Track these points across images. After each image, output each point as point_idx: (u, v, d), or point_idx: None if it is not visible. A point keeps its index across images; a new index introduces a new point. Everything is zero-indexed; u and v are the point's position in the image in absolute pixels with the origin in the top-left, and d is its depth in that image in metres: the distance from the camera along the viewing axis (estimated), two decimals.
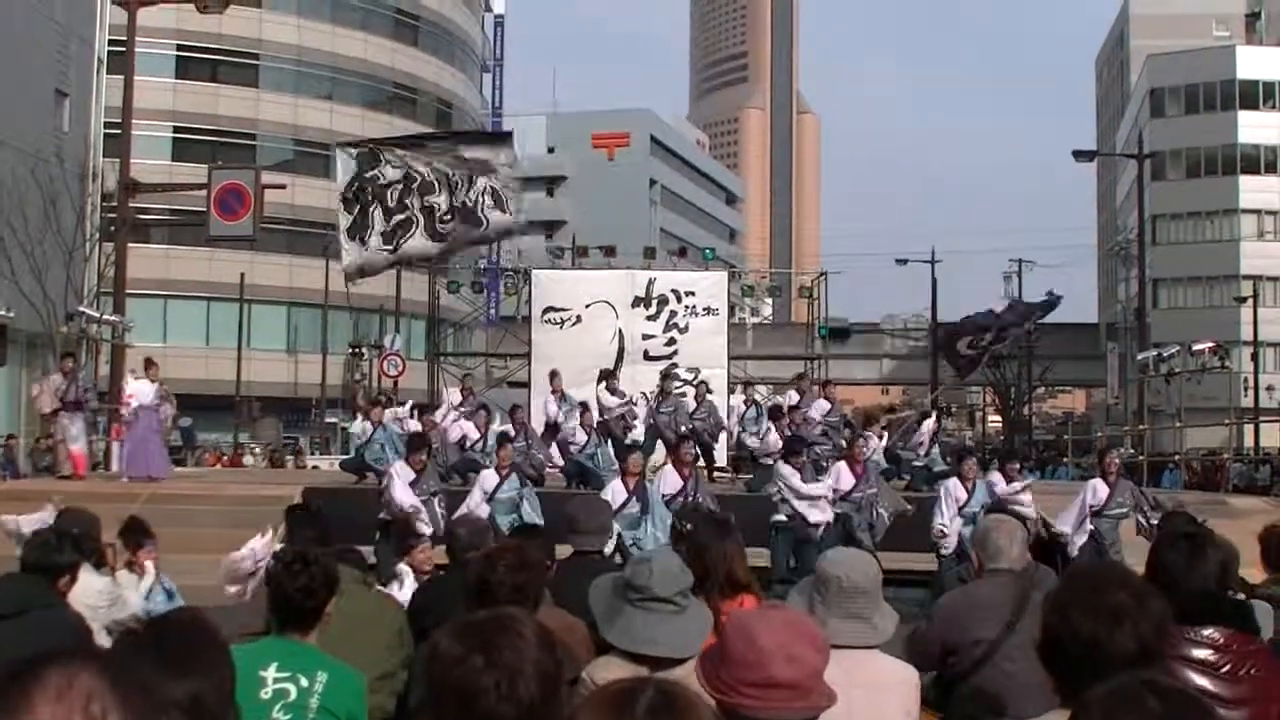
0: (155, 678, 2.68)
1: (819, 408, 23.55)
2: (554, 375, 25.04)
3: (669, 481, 15.51)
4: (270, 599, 4.67)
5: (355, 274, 25.65)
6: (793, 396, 24.18)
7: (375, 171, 24.74)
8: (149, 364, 22.55)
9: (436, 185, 24.63)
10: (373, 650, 5.11)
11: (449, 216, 24.65)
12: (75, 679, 1.78)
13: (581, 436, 22.06)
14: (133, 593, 8.31)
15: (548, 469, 21.90)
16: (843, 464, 16.80)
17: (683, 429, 22.04)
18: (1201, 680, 3.89)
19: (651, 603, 4.15)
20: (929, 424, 23.31)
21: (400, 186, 24.66)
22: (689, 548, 5.78)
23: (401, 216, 24.71)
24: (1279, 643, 5.18)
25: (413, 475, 15.27)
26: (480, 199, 24.63)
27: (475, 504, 14.97)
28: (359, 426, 22.20)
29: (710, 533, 5.68)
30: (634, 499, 14.00)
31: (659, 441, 22.60)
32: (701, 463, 21.39)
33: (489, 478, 15.94)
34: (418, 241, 24.85)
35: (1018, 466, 17.50)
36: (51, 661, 1.80)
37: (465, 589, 4.82)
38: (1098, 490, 15.88)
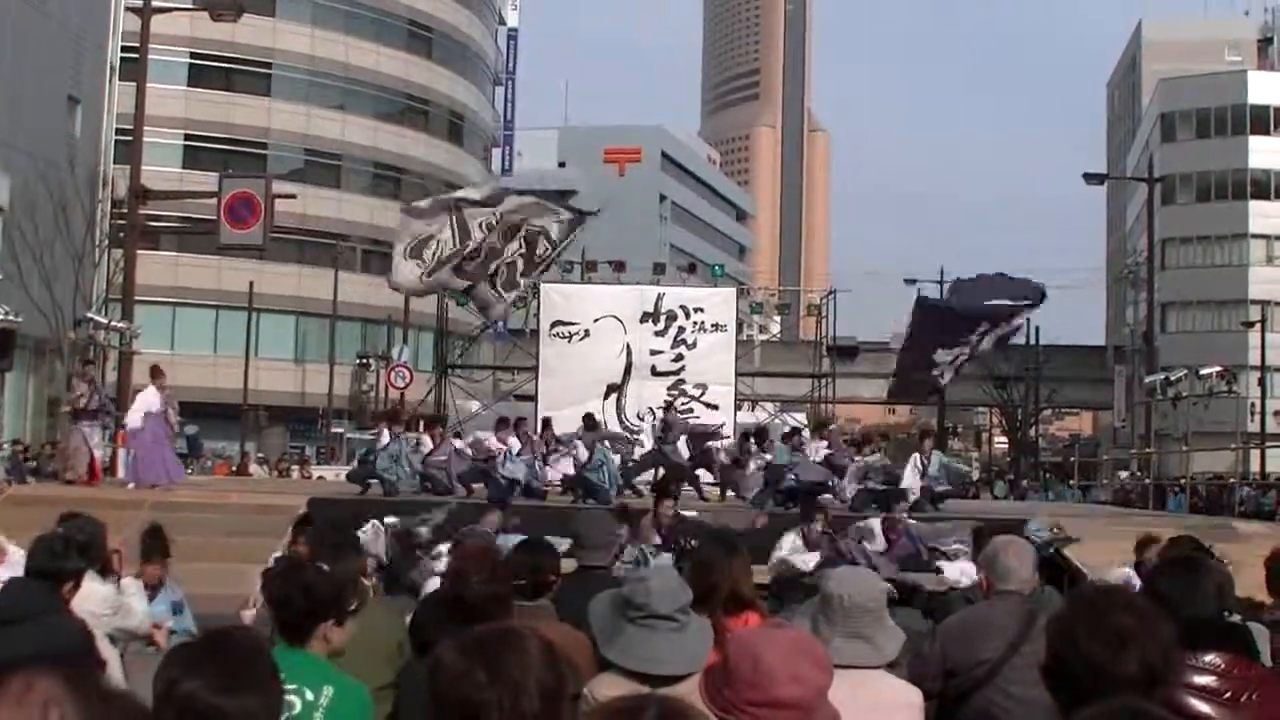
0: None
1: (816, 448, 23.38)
2: (546, 423, 24.64)
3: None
4: (270, 608, 4.67)
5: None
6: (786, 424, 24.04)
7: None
8: (155, 371, 22.56)
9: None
10: (374, 662, 5.10)
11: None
12: (34, 685, 1.78)
13: (584, 453, 21.85)
14: (137, 600, 8.29)
15: (547, 485, 21.80)
16: (876, 524, 16.10)
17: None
18: (1204, 707, 3.88)
19: (652, 620, 4.14)
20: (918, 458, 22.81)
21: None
22: (693, 564, 5.78)
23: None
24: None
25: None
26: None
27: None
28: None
29: (715, 549, 5.67)
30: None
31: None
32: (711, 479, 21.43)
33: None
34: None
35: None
36: (12, 668, 1.80)
37: (443, 606, 4.81)
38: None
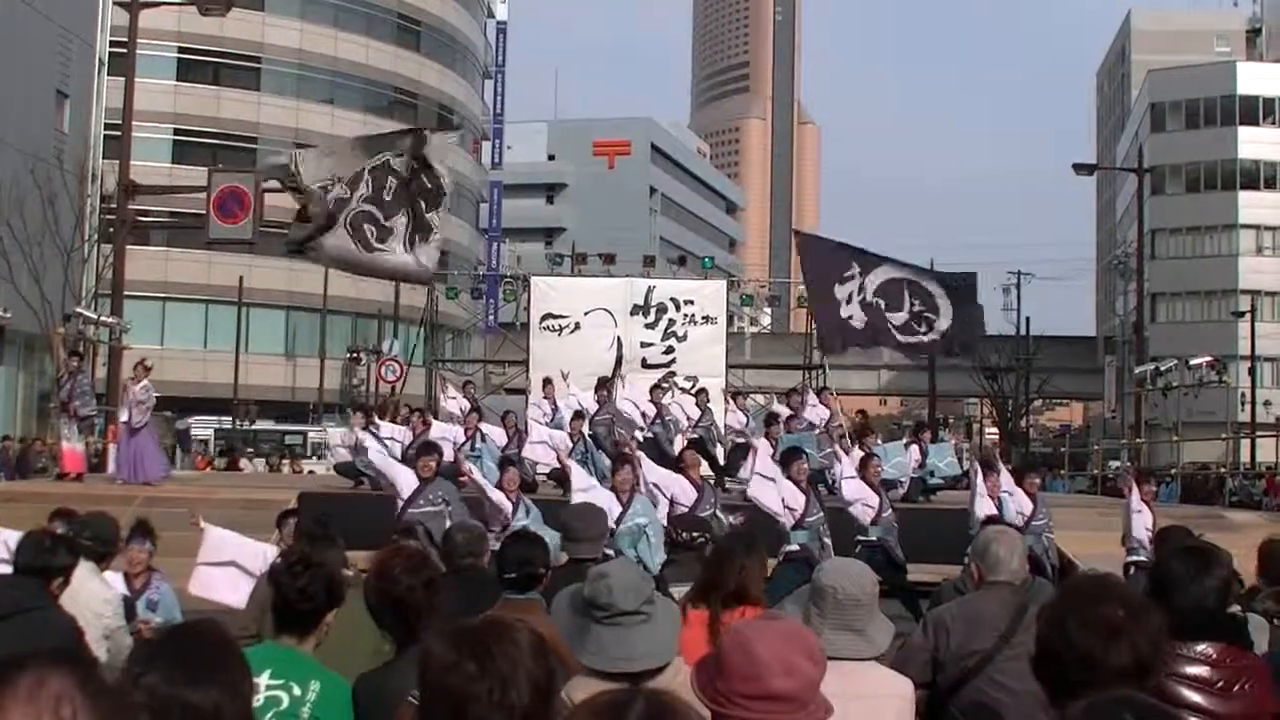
0: (167, 683, 2.69)
1: (819, 414, 23.39)
2: (546, 382, 25.11)
3: (684, 492, 14.97)
4: (271, 599, 4.64)
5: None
6: (783, 410, 23.93)
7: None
8: (135, 365, 22.44)
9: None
10: (361, 655, 5.08)
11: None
12: (46, 681, 1.77)
13: (567, 444, 21.72)
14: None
15: (536, 475, 21.70)
16: (862, 485, 16.05)
17: (681, 439, 21.94)
18: (1196, 697, 3.89)
19: (619, 618, 4.09)
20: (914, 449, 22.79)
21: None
22: (712, 552, 5.77)
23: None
24: (1275, 655, 5.16)
25: (416, 483, 14.66)
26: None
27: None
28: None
29: (736, 544, 5.67)
30: (627, 513, 13.60)
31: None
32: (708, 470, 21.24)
33: (503, 505, 14.60)
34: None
35: (1037, 481, 16.93)
36: (23, 664, 1.79)
37: (379, 612, 4.72)
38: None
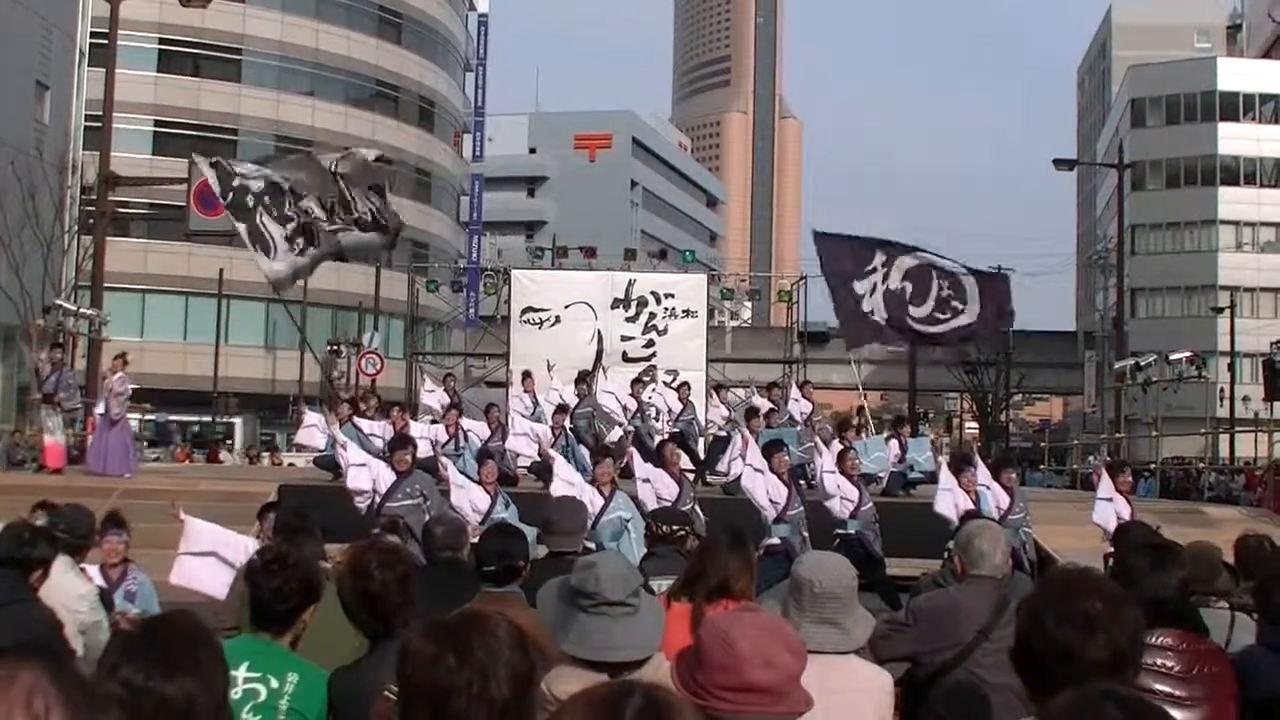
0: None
1: (800, 408, 23.44)
2: (526, 375, 25.07)
3: (666, 486, 14.98)
4: (248, 595, 4.63)
5: (287, 283, 24.77)
6: (763, 403, 23.93)
7: (240, 182, 22.99)
8: (115, 357, 22.29)
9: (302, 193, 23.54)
10: (340, 648, 5.07)
11: (338, 220, 24.03)
12: (17, 675, 1.77)
13: (550, 437, 21.69)
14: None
15: (517, 469, 21.68)
16: (841, 479, 15.87)
17: (662, 433, 21.93)
18: (1159, 685, 3.95)
19: (604, 607, 4.08)
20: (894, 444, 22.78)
21: (270, 196, 23.16)
22: (700, 544, 5.77)
23: (294, 224, 23.34)
24: (1249, 651, 5.19)
25: (394, 477, 14.47)
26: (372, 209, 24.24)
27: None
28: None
29: (723, 539, 5.67)
30: (609, 506, 13.58)
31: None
32: (688, 464, 21.23)
33: (479, 498, 14.77)
34: (323, 246, 24.19)
35: (1014, 475, 16.95)
36: None
37: (354, 607, 4.71)
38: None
